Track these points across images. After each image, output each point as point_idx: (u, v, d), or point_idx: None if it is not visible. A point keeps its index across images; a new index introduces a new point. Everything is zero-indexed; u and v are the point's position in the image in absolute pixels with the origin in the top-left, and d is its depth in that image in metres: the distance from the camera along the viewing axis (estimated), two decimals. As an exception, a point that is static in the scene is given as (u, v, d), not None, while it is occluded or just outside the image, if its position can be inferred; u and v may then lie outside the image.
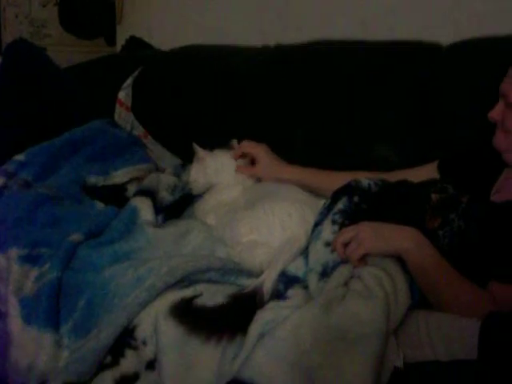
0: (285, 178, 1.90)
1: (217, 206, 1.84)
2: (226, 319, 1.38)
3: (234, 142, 1.99)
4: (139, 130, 2.44)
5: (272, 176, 1.91)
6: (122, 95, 2.49)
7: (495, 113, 1.54)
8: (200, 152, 1.92)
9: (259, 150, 1.94)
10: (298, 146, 2.19)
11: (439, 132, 2.02)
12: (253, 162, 1.95)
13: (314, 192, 1.86)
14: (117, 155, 2.06)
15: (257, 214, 1.67)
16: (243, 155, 1.95)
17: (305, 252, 1.57)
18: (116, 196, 1.92)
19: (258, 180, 1.94)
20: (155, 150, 2.38)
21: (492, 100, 1.54)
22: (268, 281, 1.46)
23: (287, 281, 1.50)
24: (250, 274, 1.56)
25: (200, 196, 1.91)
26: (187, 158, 2.03)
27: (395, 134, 2.09)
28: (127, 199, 1.82)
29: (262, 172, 1.92)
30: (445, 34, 2.16)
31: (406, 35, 2.22)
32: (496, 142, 1.57)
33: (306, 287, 1.49)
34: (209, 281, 1.51)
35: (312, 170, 1.94)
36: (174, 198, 1.91)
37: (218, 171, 1.90)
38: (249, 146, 1.95)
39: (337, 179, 1.80)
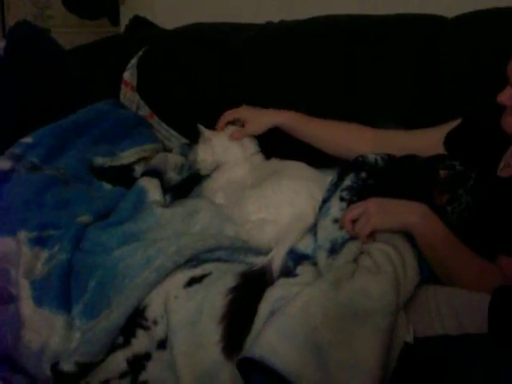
0: (273, 124, 1.92)
1: (225, 184, 1.84)
2: (236, 297, 1.39)
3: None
4: (145, 110, 2.43)
5: (262, 127, 1.92)
6: (126, 75, 2.48)
7: (505, 97, 1.50)
8: (206, 132, 1.91)
9: (241, 111, 1.95)
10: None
11: (443, 106, 2.01)
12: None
13: (303, 137, 1.90)
14: (123, 136, 2.06)
15: (265, 192, 1.67)
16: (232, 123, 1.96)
17: (313, 229, 1.57)
18: (124, 176, 1.92)
19: (266, 158, 1.94)
20: (161, 129, 2.38)
21: (497, 73, 1.52)
22: (277, 258, 1.47)
23: (296, 258, 1.51)
24: (259, 251, 1.56)
25: (208, 175, 1.90)
26: (193, 138, 2.03)
27: (399, 108, 2.08)
28: (135, 179, 1.82)
29: (253, 127, 1.92)
30: (449, 7, 2.14)
31: (410, 9, 2.20)
32: (506, 125, 1.54)
33: (315, 264, 1.49)
34: (218, 259, 1.52)
35: (301, 115, 1.95)
36: (181, 178, 1.91)
37: (225, 150, 1.90)
38: (229, 114, 1.95)
39: (331, 129, 1.81)
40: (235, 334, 1.34)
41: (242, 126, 1.95)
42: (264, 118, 1.93)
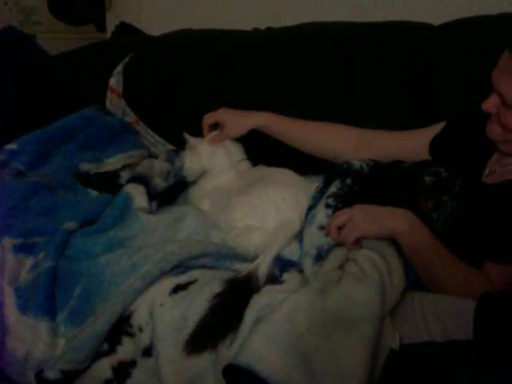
0: (253, 125, 1.91)
1: (211, 191, 1.84)
2: (221, 304, 1.38)
3: (186, 135, 1.97)
4: (131, 117, 2.43)
5: (242, 129, 1.91)
6: (112, 82, 2.48)
7: (489, 105, 1.50)
8: (191, 140, 1.91)
9: (219, 114, 1.94)
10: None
11: (433, 110, 2.03)
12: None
13: (286, 139, 1.90)
14: (109, 142, 2.05)
15: (251, 198, 1.67)
16: (211, 128, 1.95)
17: (299, 236, 1.57)
18: (109, 183, 1.91)
19: (253, 165, 1.94)
20: (147, 136, 2.38)
21: (483, 80, 1.53)
22: (263, 265, 1.47)
23: (282, 265, 1.51)
24: (245, 258, 1.56)
25: (194, 182, 1.90)
26: (179, 144, 2.02)
27: (388, 114, 2.09)
28: (120, 186, 1.81)
29: (232, 130, 1.91)
30: (436, 15, 2.15)
31: (397, 16, 2.21)
32: (491, 133, 1.53)
33: (301, 271, 1.50)
34: (204, 266, 1.51)
35: (282, 117, 1.94)
36: (167, 185, 1.90)
37: (211, 157, 1.89)
38: (208, 117, 1.94)
39: (303, 126, 1.81)
40: (204, 333, 1.34)
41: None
42: (243, 120, 1.92)
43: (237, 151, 1.93)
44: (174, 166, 1.99)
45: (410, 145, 1.77)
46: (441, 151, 1.72)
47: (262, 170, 1.87)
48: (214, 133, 1.93)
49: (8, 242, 1.59)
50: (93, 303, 1.46)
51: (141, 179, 1.81)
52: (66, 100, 2.19)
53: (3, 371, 1.45)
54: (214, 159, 1.90)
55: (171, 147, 2.30)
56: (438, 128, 1.76)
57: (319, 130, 1.87)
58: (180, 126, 1.98)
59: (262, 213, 1.64)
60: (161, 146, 2.36)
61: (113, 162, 1.99)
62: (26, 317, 1.47)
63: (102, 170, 1.96)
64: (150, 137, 2.38)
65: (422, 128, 1.81)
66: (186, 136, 1.91)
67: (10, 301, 1.50)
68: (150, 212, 1.72)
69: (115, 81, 2.48)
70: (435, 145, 1.74)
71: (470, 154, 1.65)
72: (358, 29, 2.25)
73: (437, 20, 2.15)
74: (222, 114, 1.93)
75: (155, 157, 2.14)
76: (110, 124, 2.13)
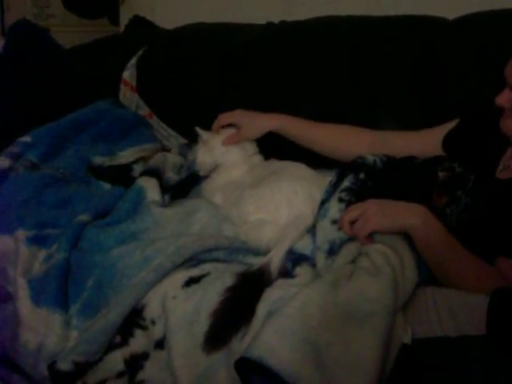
0: (270, 128, 1.91)
1: (224, 185, 1.84)
2: (233, 298, 1.38)
3: (198, 129, 1.97)
4: (144, 110, 2.44)
5: (258, 132, 1.91)
6: (126, 75, 2.48)
7: (503, 99, 1.50)
8: (204, 135, 1.91)
9: (235, 115, 1.93)
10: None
11: (445, 105, 2.02)
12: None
13: (301, 142, 1.90)
14: (122, 135, 2.05)
15: (263, 192, 1.67)
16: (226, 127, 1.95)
17: (312, 230, 1.57)
18: (122, 176, 1.92)
19: (265, 159, 1.94)
20: (160, 129, 2.38)
21: (497, 75, 1.52)
22: (275, 259, 1.46)
23: (295, 259, 1.51)
24: (258, 252, 1.56)
25: (206, 176, 1.90)
26: (192, 138, 2.02)
27: (401, 109, 2.08)
28: (133, 179, 1.81)
29: (247, 132, 1.91)
30: (450, 9, 2.14)
31: (411, 11, 2.20)
32: (505, 128, 1.53)
33: (313, 265, 1.49)
34: (216, 260, 1.52)
35: (297, 119, 1.94)
36: (180, 178, 1.91)
37: (224, 152, 1.89)
38: (224, 118, 1.94)
39: (323, 130, 1.80)
40: (220, 329, 1.34)
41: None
42: (259, 123, 1.92)
43: (249, 145, 1.93)
44: (187, 160, 1.99)
45: (425, 145, 1.76)
46: (454, 146, 1.72)
47: (275, 163, 1.87)
48: (230, 131, 1.93)
49: (21, 233, 1.60)
50: (105, 295, 1.47)
51: (154, 172, 1.81)
52: (80, 93, 2.20)
53: (16, 363, 1.46)
54: (226, 153, 1.89)
55: (184, 141, 2.31)
56: (449, 127, 1.75)
57: (335, 132, 1.86)
58: (193, 119, 1.98)
59: (274, 206, 1.63)
60: (174, 139, 2.36)
61: (126, 155, 2.00)
62: (39, 309, 1.47)
63: (115, 162, 1.96)
64: (162, 130, 2.39)
65: (435, 127, 1.80)
66: (199, 130, 1.91)
67: (24, 293, 1.50)
68: (163, 205, 1.73)
69: (129, 74, 2.48)
70: (449, 140, 1.74)
71: (483, 149, 1.64)
72: (371, 23, 2.24)
73: (451, 14, 2.13)
74: (239, 116, 1.93)
75: (168, 150, 2.15)
76: (123, 117, 2.13)
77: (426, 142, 1.76)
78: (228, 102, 2.07)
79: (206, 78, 2.39)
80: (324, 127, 1.91)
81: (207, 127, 1.93)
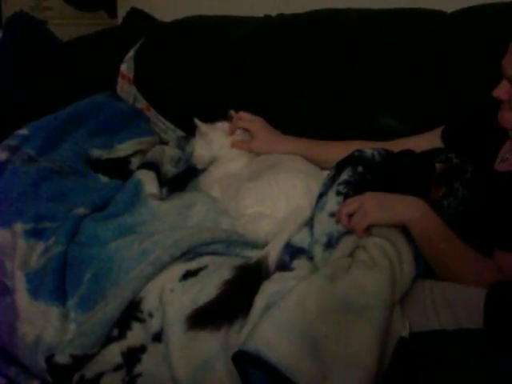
0: (281, 152, 1.88)
1: (221, 178, 1.84)
2: (231, 291, 1.38)
3: (232, 112, 1.97)
4: (142, 103, 2.43)
5: (268, 150, 1.90)
6: (123, 68, 2.48)
7: (500, 92, 1.49)
8: (202, 127, 1.90)
9: (254, 125, 1.92)
10: (304, 115, 2.18)
11: (444, 99, 2.01)
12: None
13: (314, 162, 1.85)
14: (120, 128, 2.05)
15: (261, 185, 1.67)
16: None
17: (309, 223, 1.57)
18: (120, 169, 1.92)
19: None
20: (158, 122, 2.38)
21: (496, 68, 1.52)
22: (273, 252, 1.46)
23: (292, 252, 1.50)
24: (255, 245, 1.56)
25: (204, 169, 1.90)
26: (190, 131, 2.02)
27: (400, 102, 2.07)
28: (131, 172, 1.82)
29: (259, 147, 1.90)
30: (448, 2, 2.14)
31: (410, 3, 2.20)
32: (502, 121, 1.53)
33: (311, 258, 1.49)
34: (214, 253, 1.52)
35: (309, 141, 1.92)
36: (177, 171, 1.91)
37: (222, 145, 1.89)
38: (244, 121, 1.94)
39: (334, 150, 1.80)
40: (210, 312, 1.36)
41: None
42: (273, 146, 1.90)
43: (248, 138, 1.92)
44: (185, 153, 1.99)
45: (427, 147, 1.75)
46: (453, 138, 1.72)
47: (273, 157, 1.86)
48: (226, 124, 1.93)
49: (19, 227, 1.60)
50: (103, 289, 1.47)
51: (151, 165, 1.82)
52: (77, 86, 2.19)
53: (14, 355, 1.46)
54: (224, 147, 1.89)
55: (182, 133, 2.31)
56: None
57: (345, 150, 1.84)
58: (190, 112, 1.97)
59: (272, 200, 1.63)
60: (171, 132, 2.36)
61: (124, 148, 2.00)
62: (37, 302, 1.48)
63: (113, 155, 1.97)
64: (160, 123, 2.38)
65: (437, 129, 1.79)
66: (197, 122, 1.91)
67: (21, 286, 1.51)
68: (161, 198, 1.73)
69: (126, 67, 2.48)
70: (448, 132, 1.74)
71: (482, 141, 1.64)
72: (369, 15, 2.23)
73: (449, 7, 2.13)
74: (257, 128, 1.92)
75: (166, 143, 2.15)
76: (120, 110, 2.13)
77: (428, 145, 1.75)
78: (225, 95, 2.06)
79: (204, 70, 2.38)
80: (336, 146, 1.88)
81: (205, 120, 1.92)
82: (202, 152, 1.90)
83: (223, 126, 1.92)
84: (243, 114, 1.94)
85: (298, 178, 1.69)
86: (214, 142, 1.89)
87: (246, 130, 1.93)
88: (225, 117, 1.95)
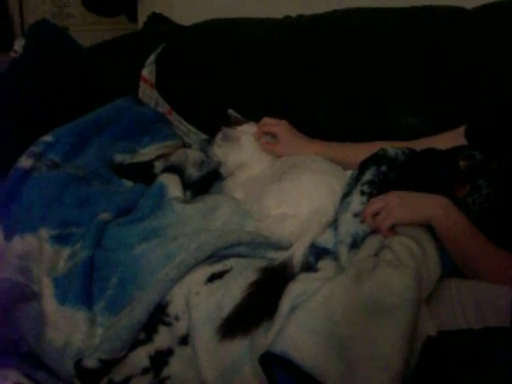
0: (306, 154, 1.88)
1: (245, 181, 1.85)
2: (256, 293, 1.39)
3: (231, 111, 1.98)
4: (164, 107, 2.44)
5: (294, 153, 1.89)
6: (145, 72, 2.48)
7: None
8: (233, 133, 1.91)
9: (280, 129, 1.92)
10: (320, 117, 2.17)
11: (462, 97, 2.00)
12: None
13: (337, 163, 1.85)
14: (143, 132, 2.06)
15: (285, 186, 1.68)
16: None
17: (333, 224, 1.57)
18: (143, 173, 1.92)
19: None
20: (180, 126, 2.38)
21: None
22: (298, 253, 1.47)
23: (317, 252, 1.51)
24: (280, 247, 1.56)
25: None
26: (213, 133, 2.02)
27: (420, 101, 2.06)
28: (155, 176, 1.83)
29: (284, 150, 1.90)
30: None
31: (429, 1, 2.19)
32: None
33: (336, 259, 1.49)
34: (238, 255, 1.52)
35: (334, 144, 1.92)
36: (201, 174, 1.91)
37: (253, 149, 1.91)
38: (269, 125, 1.94)
39: (360, 151, 1.78)
40: (239, 319, 1.36)
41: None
42: (296, 146, 1.91)
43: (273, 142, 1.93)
44: (208, 156, 1.99)
45: (451, 145, 1.74)
46: (477, 135, 1.71)
47: (295, 158, 1.86)
48: (253, 126, 1.94)
49: (45, 232, 1.61)
50: (129, 293, 1.48)
51: (175, 169, 1.82)
52: (100, 91, 2.20)
53: (42, 360, 1.47)
54: (255, 151, 1.91)
55: (204, 136, 2.31)
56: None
57: (369, 151, 1.82)
58: (213, 115, 1.98)
59: (295, 200, 1.64)
60: (193, 135, 2.36)
61: (147, 153, 2.01)
62: (64, 307, 1.49)
63: (137, 160, 1.97)
64: (182, 126, 2.39)
65: (460, 127, 1.78)
66: (227, 130, 1.91)
67: (49, 291, 1.52)
68: (185, 201, 1.74)
69: (148, 71, 2.48)
70: (471, 129, 1.72)
71: (506, 138, 1.63)
72: (389, 14, 2.22)
73: (470, 3, 2.12)
74: (282, 131, 1.92)
75: (189, 146, 2.15)
76: (143, 114, 2.14)
77: (451, 143, 1.74)
78: (245, 98, 2.06)
79: (225, 72, 2.39)
80: (358, 148, 1.87)
81: (226, 123, 1.92)
82: (232, 157, 1.91)
83: (250, 129, 1.93)
84: (268, 120, 1.95)
85: (321, 178, 1.69)
86: (246, 146, 1.90)
87: (271, 134, 1.93)
88: (226, 117, 1.95)
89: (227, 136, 1.92)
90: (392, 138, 1.86)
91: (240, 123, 1.97)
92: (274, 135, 1.93)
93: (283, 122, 1.95)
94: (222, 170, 1.93)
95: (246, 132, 1.93)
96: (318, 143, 1.93)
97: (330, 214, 1.60)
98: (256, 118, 2.00)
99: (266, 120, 1.95)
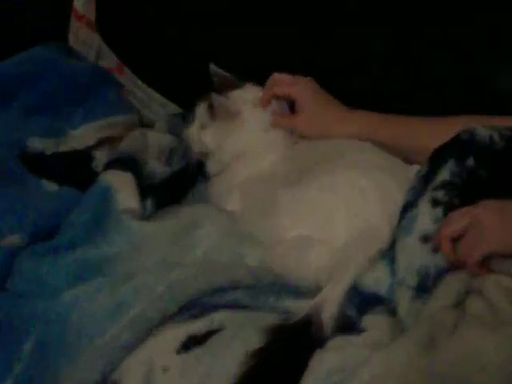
0: (340, 135, 1.88)
1: (245, 180, 1.85)
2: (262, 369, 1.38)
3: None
4: (110, 60, 2.44)
5: (323, 131, 1.90)
6: (79, 4, 2.49)
7: None
8: (225, 101, 1.90)
9: (300, 90, 1.92)
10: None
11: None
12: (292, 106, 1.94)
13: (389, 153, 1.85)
14: (75, 103, 2.07)
15: (307, 193, 1.67)
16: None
17: (389, 253, 1.56)
18: (76, 169, 1.92)
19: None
20: (137, 91, 2.38)
21: None
22: (330, 303, 1.47)
23: (361, 301, 1.51)
24: (300, 291, 1.56)
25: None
26: (190, 104, 2.01)
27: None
28: (95, 174, 1.82)
29: (308, 127, 1.91)
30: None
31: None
32: None
33: (392, 311, 1.49)
34: (233, 305, 1.52)
35: (391, 117, 1.91)
36: (171, 171, 1.91)
37: (262, 129, 1.90)
38: (283, 86, 1.93)
39: (427, 130, 1.78)
40: None
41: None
42: (325, 118, 1.91)
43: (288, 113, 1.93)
44: (182, 140, 1.98)
45: None
46: None
47: (324, 143, 1.87)
48: (280, 105, 1.93)
49: None
50: (53, 367, 1.47)
51: (127, 163, 1.81)
52: (12, 31, 2.21)
53: None
54: (265, 135, 1.90)
55: (175, 108, 2.31)
56: None
57: (446, 131, 1.81)
58: (188, 73, 1.97)
59: (325, 217, 1.64)
60: (158, 107, 2.36)
61: (81, 135, 2.01)
62: None
63: (65, 148, 1.97)
64: (140, 93, 2.39)
65: None
66: (217, 98, 1.89)
67: None
68: (144, 216, 1.73)
69: (83, 2, 2.49)
70: None
71: None
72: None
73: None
74: (304, 95, 1.93)
75: (150, 126, 2.15)
76: (75, 72, 2.14)
77: None
78: (233, 43, 2.06)
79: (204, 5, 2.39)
80: (431, 124, 1.84)
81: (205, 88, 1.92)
82: (228, 144, 1.90)
83: (252, 95, 1.93)
84: (280, 76, 1.94)
85: (367, 177, 1.69)
86: (249, 125, 1.90)
87: (286, 99, 1.93)
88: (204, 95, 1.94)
89: (219, 108, 1.90)
90: (486, 110, 1.86)
91: (233, 85, 1.95)
92: (291, 102, 1.92)
93: (304, 79, 1.95)
94: (209, 165, 1.92)
95: (247, 100, 1.92)
96: (360, 115, 1.93)
97: (383, 237, 1.60)
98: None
99: (276, 76, 1.95)
